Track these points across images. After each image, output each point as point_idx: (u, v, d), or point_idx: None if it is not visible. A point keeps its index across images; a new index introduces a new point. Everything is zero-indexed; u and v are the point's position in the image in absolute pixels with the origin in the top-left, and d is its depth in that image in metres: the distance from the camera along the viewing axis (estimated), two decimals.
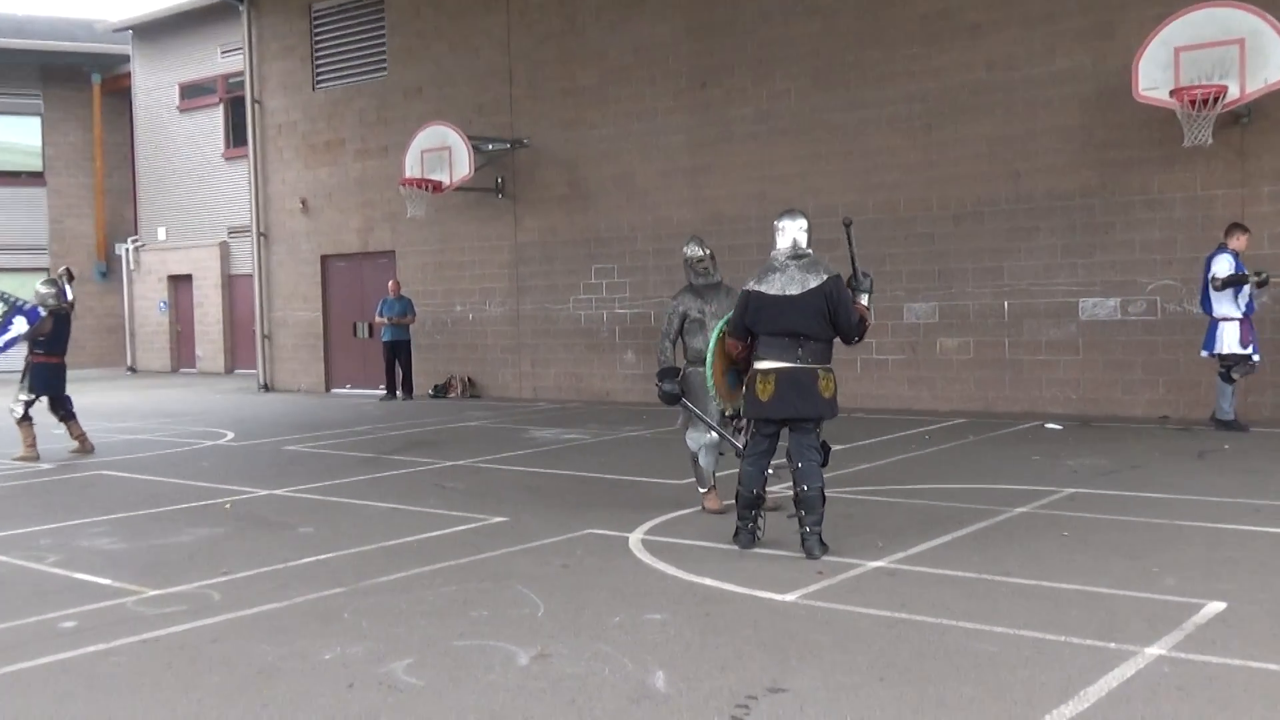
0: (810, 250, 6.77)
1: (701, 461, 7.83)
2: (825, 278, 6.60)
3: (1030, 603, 5.41)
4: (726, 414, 7.53)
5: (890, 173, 14.44)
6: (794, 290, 6.59)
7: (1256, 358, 11.37)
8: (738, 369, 7.15)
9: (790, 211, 6.87)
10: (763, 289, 6.68)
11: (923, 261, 14.26)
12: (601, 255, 17.02)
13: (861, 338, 6.78)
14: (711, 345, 6.97)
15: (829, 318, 6.56)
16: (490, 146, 17.77)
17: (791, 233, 6.76)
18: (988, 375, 13.89)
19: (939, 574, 6.00)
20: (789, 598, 5.61)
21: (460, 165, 17.14)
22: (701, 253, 7.88)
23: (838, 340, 6.70)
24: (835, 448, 10.80)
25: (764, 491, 6.73)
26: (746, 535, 6.70)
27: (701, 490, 7.99)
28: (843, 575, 6.03)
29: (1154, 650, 4.67)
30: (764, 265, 6.86)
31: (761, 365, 6.65)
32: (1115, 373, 13.09)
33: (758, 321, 6.67)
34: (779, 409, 6.60)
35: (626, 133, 16.65)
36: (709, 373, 7.03)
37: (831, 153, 14.85)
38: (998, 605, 5.39)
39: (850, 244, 6.96)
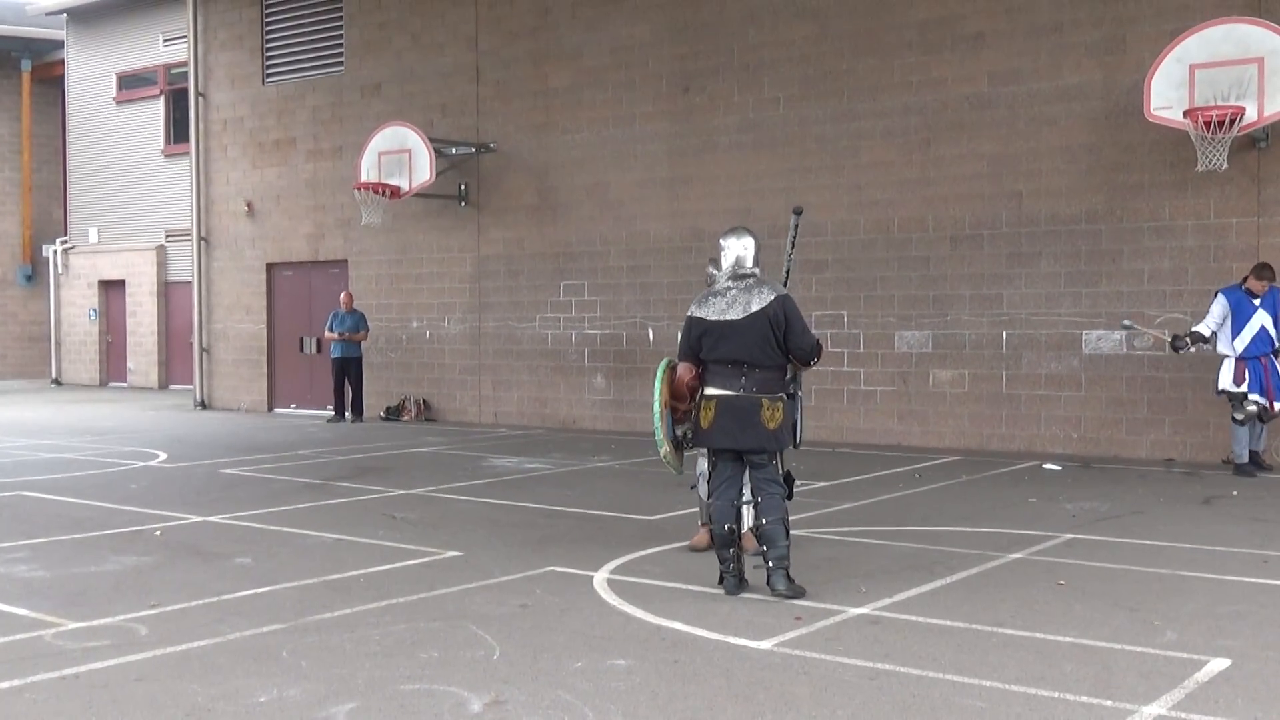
0: (756, 270, 6.87)
1: (699, 490, 7.90)
2: (770, 299, 6.69)
3: (1022, 655, 5.47)
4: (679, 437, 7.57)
5: (884, 190, 14.58)
6: (734, 315, 6.69)
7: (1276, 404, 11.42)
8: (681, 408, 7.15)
9: (736, 229, 7.01)
10: (702, 314, 6.79)
11: (917, 286, 14.38)
12: (571, 271, 17.07)
13: (818, 360, 6.88)
14: (658, 385, 6.99)
15: (776, 343, 6.66)
16: (454, 150, 17.82)
17: (735, 251, 6.88)
18: (983, 410, 14.01)
19: (926, 623, 6.05)
20: (764, 645, 5.65)
21: (420, 170, 17.17)
22: (716, 274, 8.00)
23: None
24: (817, 484, 10.94)
25: (739, 526, 6.76)
26: (731, 579, 6.70)
27: (700, 523, 8.10)
28: (822, 622, 6.07)
29: (1152, 709, 4.72)
30: (707, 288, 6.98)
31: (707, 391, 6.78)
32: (1119, 411, 13.22)
33: (701, 348, 6.79)
34: (719, 438, 6.72)
35: (601, 139, 16.74)
36: (655, 415, 7.01)
37: (821, 166, 14.97)
38: (987, 657, 5.44)
39: (793, 235, 7.10)
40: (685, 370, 6.87)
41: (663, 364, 7.06)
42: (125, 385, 27.24)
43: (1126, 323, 12.36)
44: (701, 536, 7.98)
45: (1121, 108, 13.03)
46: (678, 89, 16.10)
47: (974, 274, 14.03)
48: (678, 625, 6.00)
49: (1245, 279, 11.53)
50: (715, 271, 8.09)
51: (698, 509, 8.25)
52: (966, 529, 8.80)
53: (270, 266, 20.59)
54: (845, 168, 14.82)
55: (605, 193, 16.73)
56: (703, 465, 7.96)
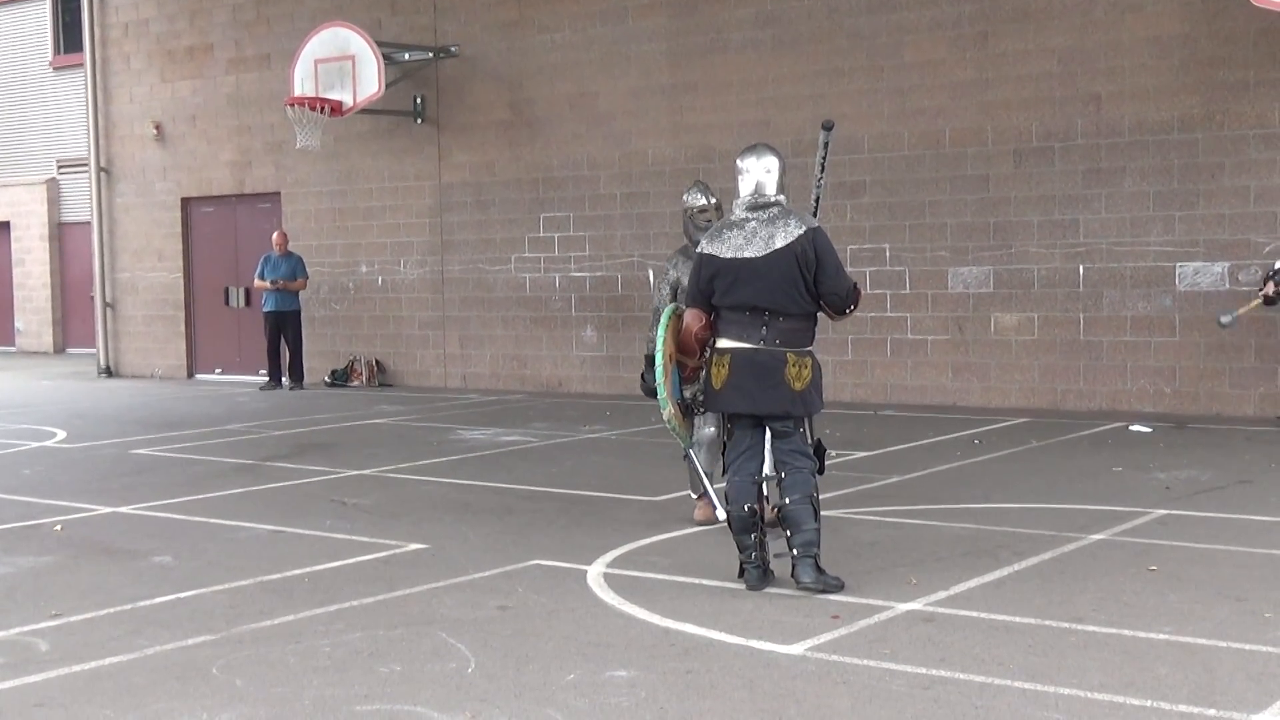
0: (780, 198, 6.87)
1: (698, 459, 7.96)
2: (799, 233, 6.69)
3: (1107, 657, 5.49)
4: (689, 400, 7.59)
5: (933, 95, 14.51)
6: (753, 252, 6.70)
7: None
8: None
9: (755, 148, 7.01)
10: (714, 251, 6.81)
11: (974, 212, 14.35)
12: (553, 201, 17.03)
13: (855, 308, 6.90)
14: (661, 334, 7.00)
15: (804, 285, 6.67)
16: (407, 56, 17.72)
17: (755, 175, 6.89)
18: (1056, 362, 14.01)
19: (989, 619, 6.08)
20: (795, 650, 5.67)
21: (367, 80, 17.07)
22: (704, 201, 8.30)
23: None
24: (856, 454, 10.97)
25: (761, 506, 6.79)
26: (754, 572, 6.73)
27: (693, 495, 8.37)
28: (865, 620, 6.09)
29: (1263, 718, 4.75)
30: (721, 220, 7.02)
31: (719, 344, 6.81)
32: (1221, 359, 13.22)
33: (713, 292, 6.81)
34: (734, 400, 6.75)
35: (587, 39, 16.64)
36: (659, 373, 7.02)
37: (856, 68, 14.90)
38: (1065, 660, 5.47)
39: (823, 154, 7.15)
40: (694, 319, 6.89)
41: (667, 311, 7.07)
42: (13, 349, 27.23)
43: (1225, 320, 12.22)
44: (703, 509, 8.13)
45: None
46: None
47: (1043, 196, 13.99)
48: (689, 628, 6.02)
49: None
50: (701, 199, 8.18)
51: (689, 478, 8.36)
52: (1037, 506, 8.82)
53: (186, 202, 20.53)
54: (885, 69, 14.75)
55: (593, 105, 16.66)
56: (706, 430, 8.09)
